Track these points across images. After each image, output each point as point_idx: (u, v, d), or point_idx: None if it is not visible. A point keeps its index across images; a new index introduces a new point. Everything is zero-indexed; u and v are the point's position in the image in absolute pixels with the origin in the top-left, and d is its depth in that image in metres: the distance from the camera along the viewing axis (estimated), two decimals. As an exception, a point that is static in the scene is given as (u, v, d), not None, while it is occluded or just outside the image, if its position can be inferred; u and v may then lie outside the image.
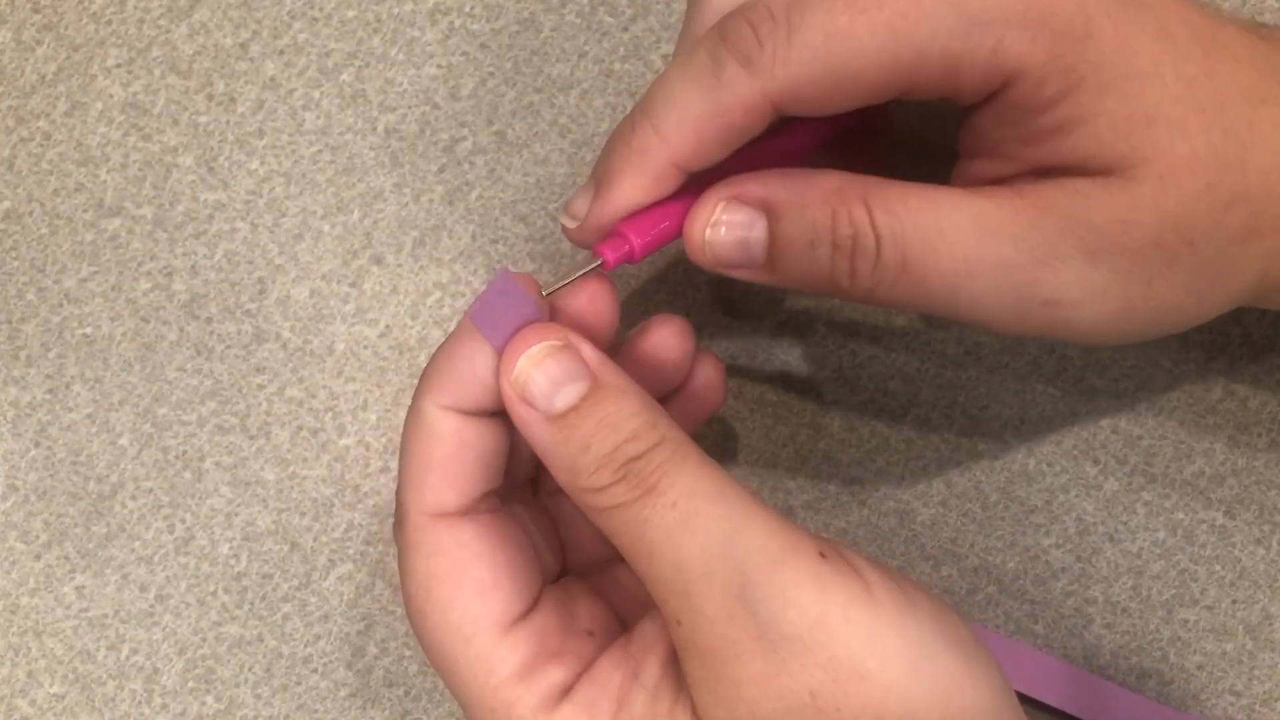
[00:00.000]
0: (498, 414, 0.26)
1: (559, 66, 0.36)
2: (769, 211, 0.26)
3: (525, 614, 0.26)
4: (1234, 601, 0.33)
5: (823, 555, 0.23)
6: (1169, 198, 0.24)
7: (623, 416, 0.24)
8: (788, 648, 0.22)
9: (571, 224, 0.27)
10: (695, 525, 0.23)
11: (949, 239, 0.25)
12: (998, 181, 0.26)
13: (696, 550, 0.23)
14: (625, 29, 0.36)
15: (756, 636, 0.23)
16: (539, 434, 0.24)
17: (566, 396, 0.24)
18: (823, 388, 0.35)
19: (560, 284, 0.26)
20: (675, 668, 0.25)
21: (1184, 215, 0.24)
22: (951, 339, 0.35)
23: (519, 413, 0.25)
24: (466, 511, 0.26)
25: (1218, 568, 0.34)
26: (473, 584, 0.25)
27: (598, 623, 0.27)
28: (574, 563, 0.30)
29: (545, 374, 0.24)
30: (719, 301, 0.35)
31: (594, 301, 0.27)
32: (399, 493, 0.26)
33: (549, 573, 0.28)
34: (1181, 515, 0.34)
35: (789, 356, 0.35)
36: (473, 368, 0.25)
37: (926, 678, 0.23)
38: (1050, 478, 0.34)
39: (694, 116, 0.25)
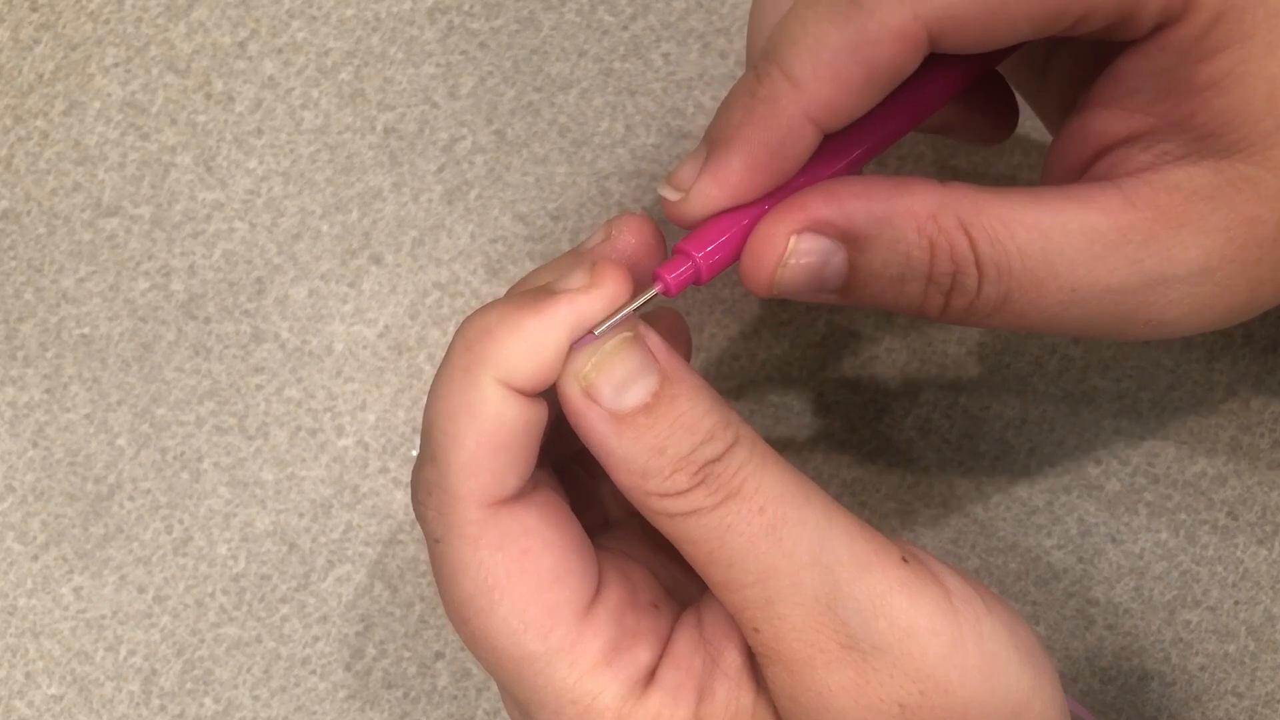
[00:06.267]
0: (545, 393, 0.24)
1: (558, 65, 0.36)
2: (850, 241, 0.23)
3: (598, 593, 0.23)
4: (1236, 603, 0.33)
5: (905, 561, 0.22)
6: None
7: (697, 415, 0.22)
8: (879, 658, 0.21)
9: (674, 196, 0.23)
10: (783, 532, 0.22)
11: (1058, 271, 0.22)
12: (1120, 142, 0.24)
13: (784, 558, 0.22)
14: (625, 27, 0.36)
15: (847, 646, 0.21)
16: (604, 433, 0.22)
17: (636, 394, 0.22)
18: (823, 388, 0.34)
19: (612, 319, 0.23)
20: (754, 659, 0.23)
21: None
22: (953, 339, 0.34)
23: (581, 409, 0.22)
24: (522, 495, 0.23)
25: (1220, 569, 0.34)
26: (547, 573, 0.23)
27: (655, 592, 0.25)
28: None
29: (615, 368, 0.22)
30: (719, 301, 0.35)
31: (672, 327, 0.25)
32: (441, 478, 0.23)
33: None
34: (1184, 516, 0.34)
35: (789, 357, 0.35)
36: (544, 348, 0.22)
37: (1002, 692, 0.22)
38: (1052, 478, 0.34)
39: (831, 53, 0.22)
